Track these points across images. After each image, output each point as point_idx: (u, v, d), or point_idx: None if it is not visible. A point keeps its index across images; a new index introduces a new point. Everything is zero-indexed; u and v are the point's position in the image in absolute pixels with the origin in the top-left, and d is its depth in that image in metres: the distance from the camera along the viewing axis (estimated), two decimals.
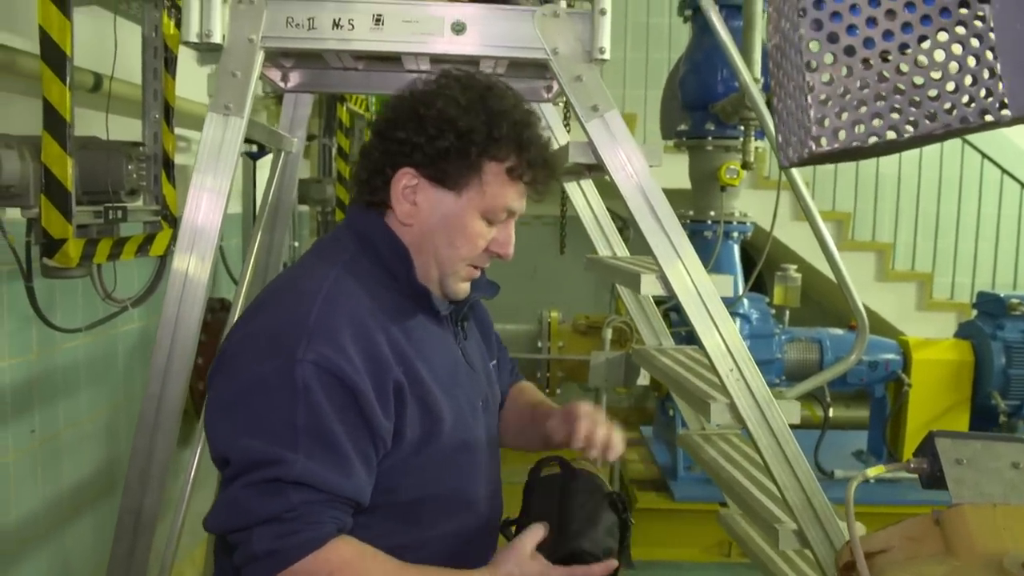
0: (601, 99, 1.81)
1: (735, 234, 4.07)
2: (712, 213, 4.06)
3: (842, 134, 0.75)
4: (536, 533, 1.30)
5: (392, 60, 2.30)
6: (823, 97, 0.75)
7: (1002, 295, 4.11)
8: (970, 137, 5.93)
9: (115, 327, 2.94)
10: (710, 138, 3.97)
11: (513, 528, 1.44)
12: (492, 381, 1.55)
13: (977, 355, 4.03)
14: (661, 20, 6.37)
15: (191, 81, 3.48)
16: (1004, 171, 6.37)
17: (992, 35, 0.73)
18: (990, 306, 4.15)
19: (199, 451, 2.05)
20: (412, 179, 1.32)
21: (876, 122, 0.75)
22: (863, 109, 0.74)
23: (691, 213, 4.14)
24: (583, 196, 2.70)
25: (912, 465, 1.13)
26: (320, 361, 1.19)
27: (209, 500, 2.56)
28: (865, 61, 0.74)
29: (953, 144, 6.39)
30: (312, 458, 1.17)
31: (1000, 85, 0.72)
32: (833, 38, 0.74)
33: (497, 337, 1.69)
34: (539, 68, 2.39)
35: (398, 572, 1.23)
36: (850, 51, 0.74)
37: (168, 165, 2.37)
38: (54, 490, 2.80)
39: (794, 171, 2.65)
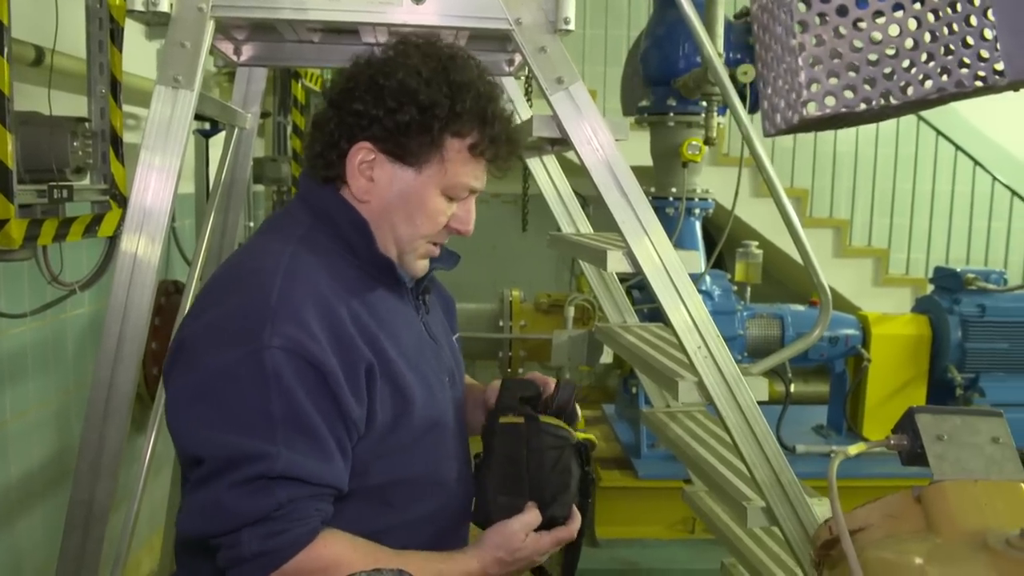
0: (566, 71, 1.76)
1: (697, 211, 4.06)
2: (674, 190, 4.05)
3: (832, 99, 0.72)
4: (528, 519, 1.29)
5: (349, 32, 2.23)
6: (813, 60, 0.71)
7: (958, 270, 4.16)
8: (925, 114, 5.99)
9: (64, 311, 2.84)
10: (672, 114, 3.95)
11: (477, 470, 1.43)
12: (457, 356, 1.52)
13: (934, 329, 4.09)
14: None
15: (140, 56, 3.36)
16: (958, 148, 6.47)
17: None
18: (946, 281, 4.20)
19: (153, 438, 1.97)
20: (369, 153, 1.27)
21: (867, 87, 0.71)
22: (854, 73, 0.71)
23: (652, 190, 4.12)
24: (546, 172, 2.65)
25: (892, 442, 1.11)
26: (287, 345, 1.13)
27: (165, 488, 2.50)
28: (857, 22, 0.70)
29: (908, 121, 6.47)
30: (293, 449, 1.13)
31: (996, 48, 0.68)
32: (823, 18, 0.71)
33: None
34: (500, 40, 2.33)
35: (388, 560, 1.19)
36: (842, 11, 0.71)
37: (116, 142, 2.27)
38: (2, 481, 2.70)
39: (759, 147, 2.63)
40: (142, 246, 1.64)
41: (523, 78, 2.77)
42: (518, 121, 2.44)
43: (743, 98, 2.96)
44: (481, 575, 1.26)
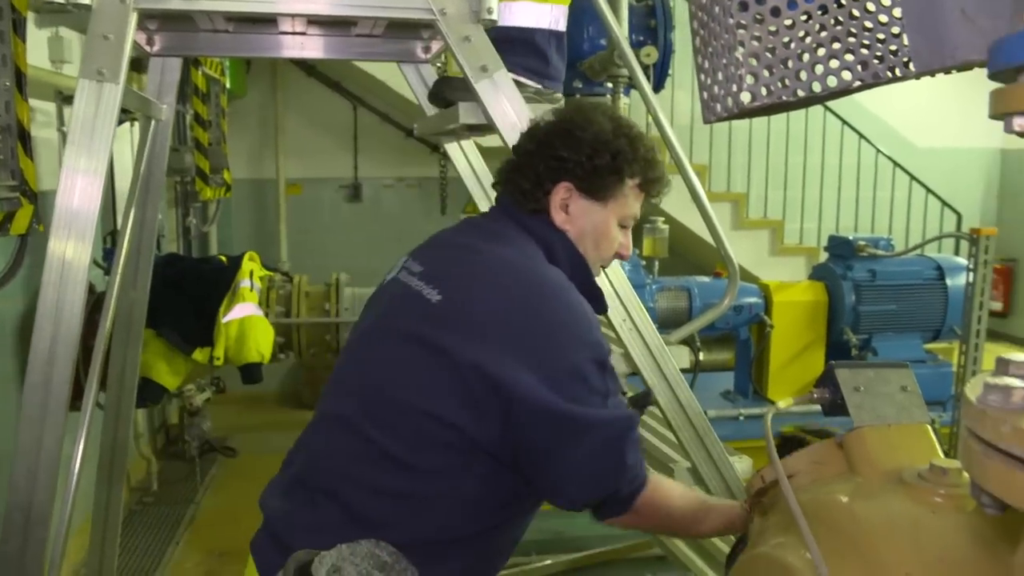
0: (490, 59, 1.81)
1: None
2: None
3: (767, 90, 0.80)
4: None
5: (266, 22, 2.22)
6: (752, 55, 0.79)
7: (850, 238, 4.40)
8: None
9: None
10: (578, 95, 4.04)
11: None
12: None
13: (830, 294, 4.32)
14: None
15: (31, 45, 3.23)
16: (845, 123, 6.79)
17: None
18: (840, 248, 4.44)
19: (84, 438, 1.94)
20: (567, 192, 1.52)
21: (802, 76, 0.80)
22: (789, 65, 0.79)
23: None
24: (464, 156, 2.70)
25: (815, 395, 1.21)
26: (602, 342, 1.39)
27: (90, 479, 2.41)
28: (789, 21, 0.79)
29: None
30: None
31: (905, 44, 0.78)
32: (761, 0, 0.79)
33: None
34: (415, 28, 2.37)
35: (684, 491, 1.53)
36: (775, 12, 0.79)
37: (24, 137, 2.21)
38: None
39: (667, 126, 2.75)
40: (71, 245, 1.62)
41: (439, 65, 2.80)
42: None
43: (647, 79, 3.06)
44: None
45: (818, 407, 1.23)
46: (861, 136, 6.88)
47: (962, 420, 0.86)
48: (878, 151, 6.97)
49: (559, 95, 2.15)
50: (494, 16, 1.79)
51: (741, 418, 4.04)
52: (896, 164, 7.01)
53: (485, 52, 1.80)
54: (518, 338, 1.33)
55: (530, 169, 1.55)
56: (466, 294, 1.40)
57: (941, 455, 1.11)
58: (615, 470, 1.35)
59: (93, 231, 1.63)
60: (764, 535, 1.16)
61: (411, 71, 2.47)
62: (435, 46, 2.45)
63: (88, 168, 1.62)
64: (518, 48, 1.99)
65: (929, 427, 1.17)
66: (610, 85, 3.83)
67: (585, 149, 1.51)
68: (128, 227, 2.17)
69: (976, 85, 1.35)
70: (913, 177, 7.00)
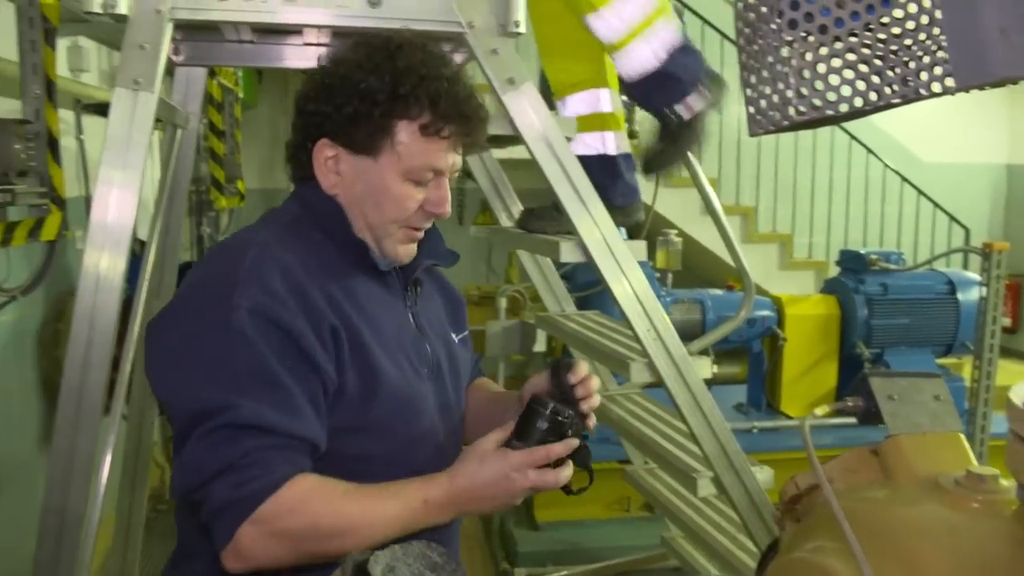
0: (517, 71, 1.84)
1: None
2: None
3: (815, 103, 0.82)
4: (496, 436, 1.28)
5: (290, 33, 2.25)
6: (801, 71, 0.81)
7: (862, 252, 4.41)
8: None
9: None
10: None
11: None
12: (452, 351, 1.53)
13: (842, 308, 4.33)
14: None
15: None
16: (853, 137, 6.82)
17: (938, 13, 0.82)
18: (852, 262, 4.45)
19: (112, 443, 1.96)
20: (331, 150, 1.32)
21: (845, 91, 0.82)
22: (834, 81, 0.82)
23: None
24: (484, 168, 2.73)
25: (850, 403, 1.23)
26: (253, 307, 1.19)
27: (116, 469, 2.43)
28: (836, 39, 0.81)
29: None
30: (259, 401, 1.16)
31: (947, 61, 0.80)
32: (808, 18, 0.81)
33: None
34: (436, 40, 2.39)
35: (360, 493, 1.21)
36: (823, 30, 0.81)
37: (54, 144, 2.24)
38: None
39: None
40: (107, 256, 1.64)
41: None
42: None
43: None
44: (456, 492, 1.25)
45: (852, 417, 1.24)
46: (869, 151, 6.91)
47: (1009, 424, 0.87)
48: (885, 165, 7.00)
49: (634, 208, 2.24)
50: (522, 29, 1.82)
51: (755, 431, 4.04)
52: (904, 179, 7.04)
53: (512, 64, 1.83)
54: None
55: (296, 131, 1.37)
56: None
57: (975, 463, 1.12)
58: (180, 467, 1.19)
59: (129, 239, 1.65)
60: (799, 541, 1.17)
61: None
62: (458, 58, 2.47)
63: (124, 176, 1.65)
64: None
65: (962, 436, 1.18)
66: (625, 99, 3.85)
67: (336, 97, 1.29)
68: (154, 235, 2.19)
69: (980, 101, 1.37)
70: (921, 192, 7.03)
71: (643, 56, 2.10)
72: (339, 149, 1.32)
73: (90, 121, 3.57)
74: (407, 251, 1.39)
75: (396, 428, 1.34)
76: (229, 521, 1.14)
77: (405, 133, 1.29)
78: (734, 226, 6.55)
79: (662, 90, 2.10)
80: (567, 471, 1.27)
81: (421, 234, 1.40)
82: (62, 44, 3.76)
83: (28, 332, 3.30)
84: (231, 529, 1.13)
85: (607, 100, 2.34)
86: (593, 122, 2.28)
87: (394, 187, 1.31)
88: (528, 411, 1.29)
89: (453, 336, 1.56)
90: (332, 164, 1.33)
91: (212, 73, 4.80)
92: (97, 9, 1.63)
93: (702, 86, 2.17)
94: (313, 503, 1.17)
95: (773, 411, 4.27)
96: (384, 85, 1.27)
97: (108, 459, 1.91)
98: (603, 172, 2.20)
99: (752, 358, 4.36)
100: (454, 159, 1.35)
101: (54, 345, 3.22)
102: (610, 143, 2.31)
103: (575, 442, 1.28)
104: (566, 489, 1.31)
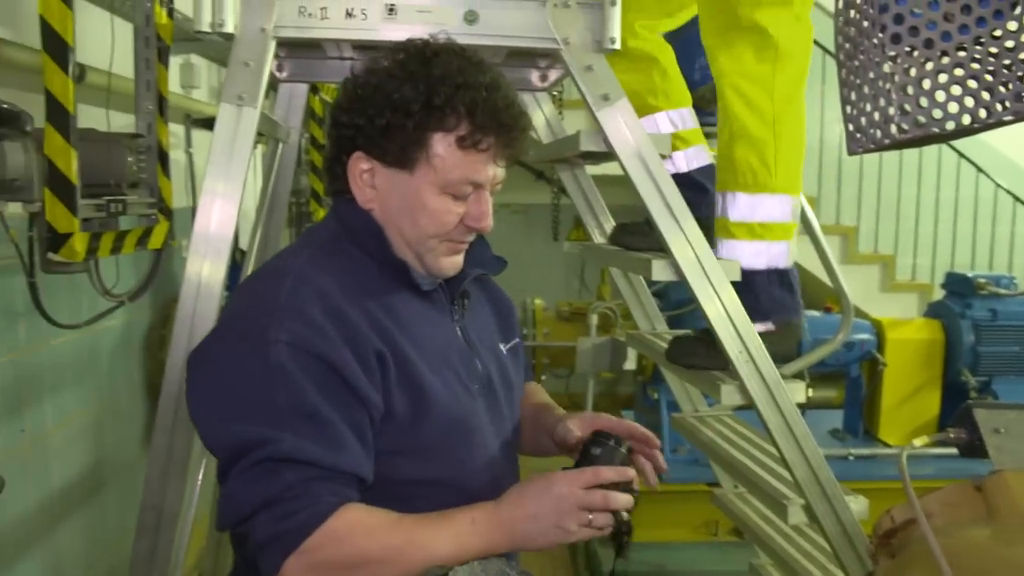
0: (612, 88, 1.83)
1: None
2: None
3: (920, 120, 0.79)
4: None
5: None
6: (904, 87, 0.78)
7: (970, 275, 4.23)
8: None
9: (98, 323, 2.90)
10: None
11: None
12: (503, 363, 1.48)
13: (947, 333, 4.15)
14: None
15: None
16: (961, 155, 6.55)
17: None
18: (958, 286, 4.27)
19: None
20: (366, 163, 1.28)
21: (952, 108, 0.78)
22: (940, 98, 0.78)
23: None
24: (577, 184, 2.72)
25: (952, 435, 1.17)
26: (293, 340, 1.15)
27: (210, 484, 2.53)
28: (943, 53, 0.78)
29: None
30: (300, 435, 1.13)
31: None
32: (913, 32, 0.78)
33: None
34: (532, 57, 2.41)
35: (408, 521, 1.17)
36: (929, 44, 0.78)
37: (163, 157, 2.34)
38: (44, 490, 2.76)
39: None
40: (208, 264, 1.70)
41: (557, 93, 2.85)
42: (548, 132, 2.52)
43: None
44: (503, 509, 1.19)
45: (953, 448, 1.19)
46: (979, 169, 6.62)
47: None
48: (997, 185, 6.69)
49: (793, 323, 2.16)
50: (617, 45, 1.81)
51: (850, 458, 3.91)
52: (1016, 198, 6.71)
53: (607, 81, 1.82)
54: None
55: (330, 143, 1.33)
56: None
57: None
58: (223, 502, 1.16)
59: (230, 247, 1.71)
60: None
61: (526, 99, 2.51)
62: (552, 75, 2.48)
63: (226, 187, 1.70)
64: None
65: None
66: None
67: (367, 108, 1.23)
68: (254, 245, 2.26)
69: None
70: None
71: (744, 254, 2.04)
72: (374, 162, 1.27)
73: (199, 135, 3.73)
74: (452, 264, 1.34)
75: (447, 448, 1.30)
76: (276, 554, 1.11)
77: (441, 146, 1.24)
78: (833, 246, 6.36)
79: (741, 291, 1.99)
80: (621, 498, 1.22)
81: (464, 246, 1.35)
82: (175, 62, 3.94)
83: (136, 336, 3.46)
84: (278, 562, 1.11)
85: (665, 122, 2.30)
86: None
87: (431, 202, 1.26)
88: (585, 444, 1.29)
89: (502, 347, 1.50)
90: (367, 178, 1.28)
91: (315, 89, 4.95)
92: (206, 28, 1.69)
93: (775, 323, 2.09)
94: (360, 533, 1.13)
95: (870, 438, 4.12)
96: (418, 95, 1.21)
97: (204, 460, 1.99)
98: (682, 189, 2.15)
99: (850, 383, 4.22)
100: (494, 171, 1.29)
101: (160, 349, 3.37)
102: (680, 162, 2.28)
103: (630, 472, 1.24)
104: (616, 538, 1.25)
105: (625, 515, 1.22)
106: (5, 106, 1.77)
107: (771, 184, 2.03)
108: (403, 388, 1.23)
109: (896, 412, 4.07)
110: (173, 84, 3.84)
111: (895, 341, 4.08)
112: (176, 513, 1.71)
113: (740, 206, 2.05)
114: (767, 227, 2.06)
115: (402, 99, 1.21)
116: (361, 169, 1.28)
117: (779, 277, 2.09)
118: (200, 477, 1.99)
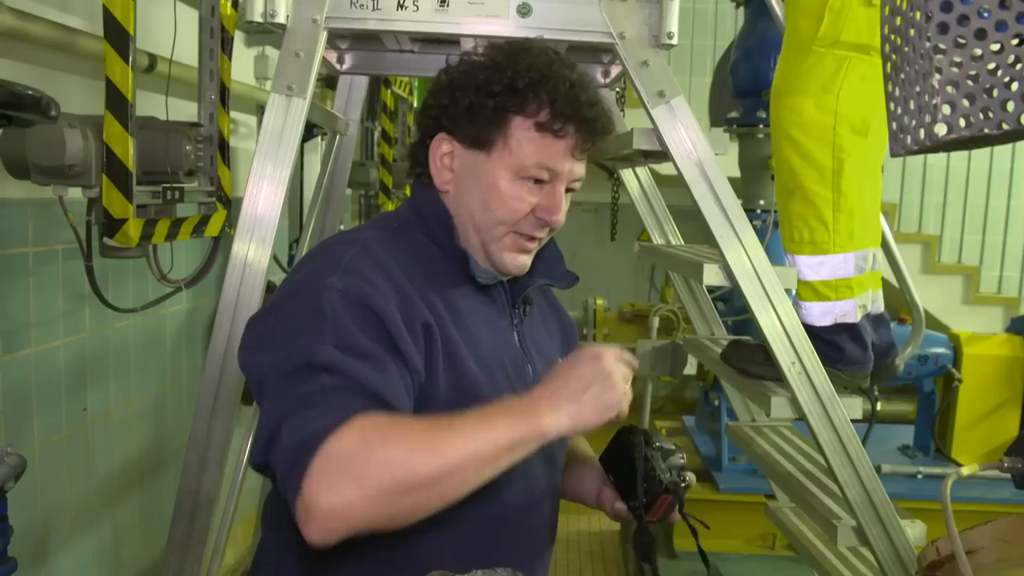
0: (667, 85, 1.77)
1: None
2: (762, 202, 4.00)
3: (966, 122, 0.72)
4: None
5: (449, 43, 2.28)
6: (951, 82, 0.71)
7: None
8: None
9: (163, 307, 2.97)
10: (761, 126, 3.90)
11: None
12: None
13: None
14: (706, 6, 6.29)
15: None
16: None
17: None
18: None
19: (254, 431, 2.05)
20: (448, 145, 1.29)
21: (1009, 107, 0.71)
22: (994, 95, 0.71)
23: (740, 202, 4.07)
24: (638, 183, 2.67)
25: (1006, 464, 1.09)
26: (347, 288, 1.13)
27: (256, 480, 2.57)
28: (997, 45, 0.71)
29: None
30: (346, 355, 1.07)
31: None
32: (963, 20, 0.71)
33: None
34: (595, 52, 2.36)
35: (439, 423, 1.07)
36: (981, 34, 0.71)
37: (223, 146, 2.37)
38: (105, 468, 2.84)
39: None
40: (253, 248, 1.71)
41: (618, 89, 2.79)
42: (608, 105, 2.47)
43: None
44: (543, 384, 1.15)
45: (1007, 476, 1.10)
46: None
47: None
48: None
49: (861, 375, 2.07)
50: (675, 41, 1.75)
51: (919, 476, 3.74)
52: None
53: (663, 77, 1.77)
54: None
55: (418, 129, 1.35)
56: None
57: None
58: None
59: (273, 234, 1.72)
60: None
61: None
62: (615, 71, 2.43)
63: (273, 175, 1.71)
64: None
65: None
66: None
67: (454, 90, 1.26)
68: (308, 234, 2.27)
69: None
70: None
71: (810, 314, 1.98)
72: (455, 144, 1.28)
73: None
74: (517, 262, 1.31)
75: None
76: (298, 463, 0.98)
77: (520, 130, 1.24)
78: (914, 255, 6.12)
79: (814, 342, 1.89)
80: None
81: (533, 244, 1.32)
82: (250, 53, 4.01)
83: (199, 322, 3.53)
84: (298, 479, 0.98)
85: None
86: None
87: (503, 185, 1.25)
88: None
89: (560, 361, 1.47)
90: (447, 160, 1.29)
91: (387, 83, 4.98)
92: (258, 19, 1.70)
93: (842, 374, 1.99)
94: (386, 434, 1.01)
95: (942, 457, 3.94)
96: (503, 78, 1.23)
97: (249, 445, 2.00)
98: None
99: (922, 398, 4.04)
100: (571, 166, 1.27)
101: None
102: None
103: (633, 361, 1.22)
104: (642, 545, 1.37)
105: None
106: (30, 92, 1.81)
107: (831, 244, 1.94)
108: (448, 372, 1.20)
109: (971, 431, 3.87)
110: (247, 75, 3.91)
111: (973, 356, 3.89)
112: (212, 498, 1.73)
113: (800, 266, 1.97)
114: (830, 285, 1.97)
115: (486, 80, 1.24)
116: (442, 152, 1.29)
117: (848, 333, 1.99)
118: (243, 465, 2.01)
